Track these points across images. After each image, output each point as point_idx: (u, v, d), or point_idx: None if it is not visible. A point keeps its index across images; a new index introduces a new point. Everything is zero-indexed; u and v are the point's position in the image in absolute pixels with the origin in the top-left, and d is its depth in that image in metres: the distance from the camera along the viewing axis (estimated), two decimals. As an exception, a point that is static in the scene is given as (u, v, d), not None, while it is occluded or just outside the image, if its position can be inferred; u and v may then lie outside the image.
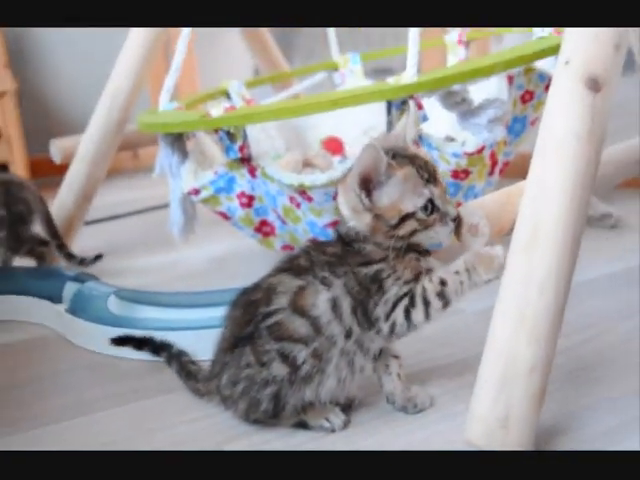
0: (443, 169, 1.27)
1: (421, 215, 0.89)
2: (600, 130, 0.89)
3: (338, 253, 0.92)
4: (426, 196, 0.88)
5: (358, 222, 0.91)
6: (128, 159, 2.85)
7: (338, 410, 0.97)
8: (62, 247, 1.60)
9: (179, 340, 1.18)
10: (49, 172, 2.15)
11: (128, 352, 1.21)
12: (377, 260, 0.90)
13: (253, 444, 0.95)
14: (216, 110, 1.28)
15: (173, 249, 1.69)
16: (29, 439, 1.01)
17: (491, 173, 1.37)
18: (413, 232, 0.89)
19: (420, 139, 1.25)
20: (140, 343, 1.13)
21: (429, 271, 0.91)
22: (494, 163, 1.36)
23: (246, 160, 1.34)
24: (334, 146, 1.81)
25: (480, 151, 1.26)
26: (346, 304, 0.90)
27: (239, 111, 1.25)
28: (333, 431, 0.95)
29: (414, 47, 1.21)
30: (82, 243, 1.83)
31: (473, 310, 1.23)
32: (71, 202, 1.74)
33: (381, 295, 0.90)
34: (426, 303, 0.89)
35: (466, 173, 1.28)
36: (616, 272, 1.42)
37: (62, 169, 1.77)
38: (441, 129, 1.47)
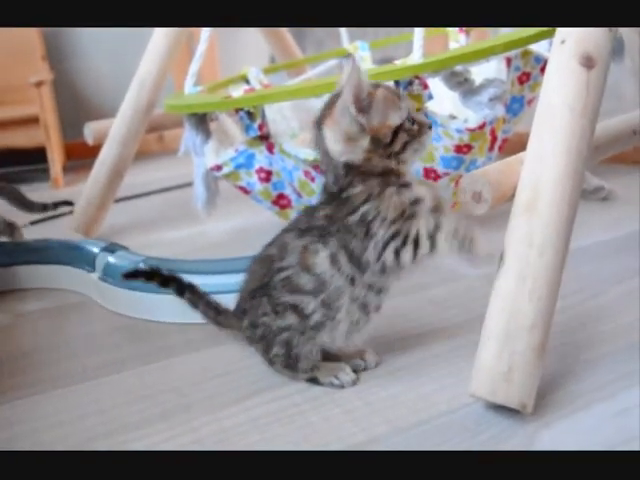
0: (447, 144, 1.26)
1: (408, 125, 0.88)
2: (593, 104, 0.88)
3: (328, 214, 0.90)
4: (405, 108, 0.89)
5: (354, 151, 0.88)
6: (154, 142, 2.85)
7: (348, 369, 0.96)
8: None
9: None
10: (82, 155, 2.17)
11: (155, 315, 1.22)
12: (361, 202, 0.88)
13: (276, 397, 0.94)
14: (236, 92, 1.27)
15: (197, 222, 1.69)
16: (69, 393, 1.01)
17: (491, 148, 1.36)
18: (405, 144, 0.88)
19: (426, 116, 1.24)
20: (150, 275, 1.08)
21: (417, 201, 0.88)
22: (494, 139, 1.35)
23: (265, 138, 1.33)
24: (345, 126, 1.80)
25: (481, 127, 1.24)
26: (342, 256, 0.89)
27: (257, 92, 1.24)
28: (342, 387, 0.95)
29: (420, 31, 1.20)
30: (113, 219, 1.84)
31: (478, 274, 1.22)
32: (104, 179, 1.74)
33: (369, 239, 0.88)
34: (416, 245, 0.87)
35: (468, 147, 1.27)
36: (608, 240, 1.41)
37: (94, 152, 1.77)
38: (445, 107, 1.46)
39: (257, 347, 0.98)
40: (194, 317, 1.18)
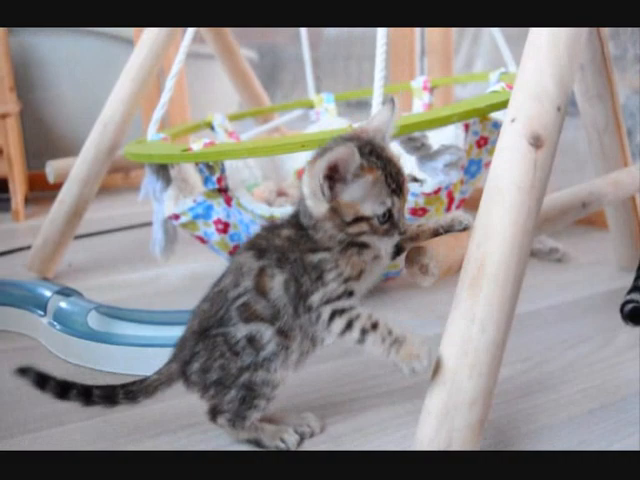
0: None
1: (375, 222, 0.83)
2: (541, 182, 0.89)
3: (292, 237, 0.88)
4: (387, 206, 0.83)
5: (314, 206, 0.84)
6: (120, 178, 2.84)
7: (291, 429, 0.95)
8: None
9: (155, 356, 1.17)
10: (46, 187, 2.14)
11: (105, 365, 1.20)
12: (323, 248, 0.86)
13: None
14: (197, 145, 1.27)
15: (154, 266, 1.68)
16: (6, 446, 0.98)
17: (448, 209, 1.37)
18: (361, 233, 0.84)
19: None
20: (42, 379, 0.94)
21: (375, 259, 0.88)
22: (451, 200, 1.36)
23: (223, 190, 1.33)
24: (307, 177, 1.81)
25: (437, 192, 1.26)
26: (292, 286, 0.86)
27: (216, 147, 1.24)
28: (288, 449, 0.93)
29: (379, 92, 1.22)
30: (71, 256, 1.82)
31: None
32: (62, 218, 1.72)
33: (319, 285, 0.85)
34: (349, 326, 0.85)
35: (424, 211, 1.28)
36: (559, 304, 1.42)
37: (58, 185, 1.75)
38: (407, 168, 1.47)
39: (205, 395, 0.92)
40: (141, 369, 1.17)
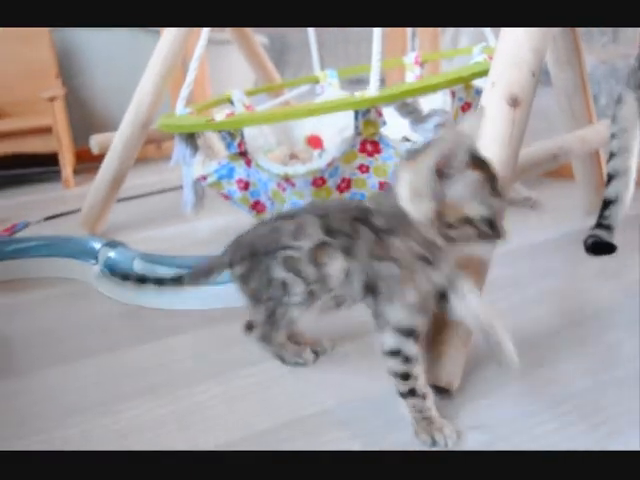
0: (398, 162, 1.28)
1: (480, 225, 0.68)
2: (518, 137, 0.90)
3: (363, 233, 0.75)
4: (493, 209, 0.68)
5: (415, 207, 0.69)
6: (153, 150, 2.84)
7: (309, 349, 0.97)
8: None
9: (190, 294, 1.20)
10: (91, 159, 2.16)
11: (147, 302, 1.23)
12: (394, 258, 0.72)
13: (247, 374, 0.95)
14: (219, 115, 1.28)
15: (186, 222, 1.70)
16: (71, 369, 1.01)
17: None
18: (465, 238, 0.69)
19: (380, 139, 1.26)
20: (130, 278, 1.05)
21: (451, 281, 0.75)
22: (439, 159, 1.37)
23: (243, 154, 1.34)
24: (315, 142, 1.81)
25: (427, 149, 1.26)
26: (358, 279, 0.76)
27: (236, 117, 1.25)
28: (305, 365, 0.95)
29: (376, 68, 1.21)
30: (114, 217, 1.84)
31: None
32: (106, 184, 1.74)
33: (388, 300, 0.74)
34: (405, 377, 0.75)
35: (416, 167, 1.29)
36: (533, 243, 1.42)
37: (100, 157, 1.77)
38: (400, 131, 1.47)
39: (245, 297, 0.90)
40: (180, 304, 1.20)
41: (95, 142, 1.82)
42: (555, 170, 1.79)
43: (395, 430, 0.78)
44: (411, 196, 0.69)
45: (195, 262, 1.28)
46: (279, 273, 0.83)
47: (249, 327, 0.96)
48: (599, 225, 1.21)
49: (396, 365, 0.75)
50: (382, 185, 1.32)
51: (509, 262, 1.30)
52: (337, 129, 1.81)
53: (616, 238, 1.26)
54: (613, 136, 1.13)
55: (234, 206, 1.49)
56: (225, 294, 1.18)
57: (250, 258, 0.87)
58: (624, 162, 1.13)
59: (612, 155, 1.14)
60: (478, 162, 0.68)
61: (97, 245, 1.37)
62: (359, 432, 0.79)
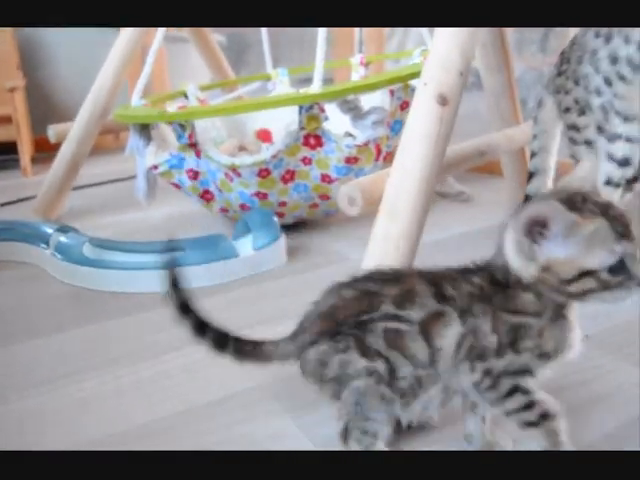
0: (339, 156, 1.28)
1: (605, 275, 0.57)
2: (445, 134, 0.91)
3: (485, 289, 0.63)
4: (617, 254, 0.57)
5: (521, 266, 0.60)
6: (111, 140, 2.79)
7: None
8: None
9: (137, 277, 1.18)
10: (49, 149, 2.11)
11: (97, 285, 1.20)
12: (530, 313, 0.61)
13: (190, 352, 0.94)
14: (171, 108, 1.26)
15: (139, 210, 1.67)
16: (21, 348, 0.99)
17: (377, 159, 1.39)
18: (588, 291, 0.58)
19: (323, 134, 1.26)
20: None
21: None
22: (379, 152, 1.37)
23: (193, 145, 1.32)
24: (265, 136, 1.80)
25: (366, 144, 1.27)
26: (467, 342, 0.62)
27: (187, 109, 1.24)
28: None
29: (320, 67, 1.21)
30: (70, 204, 1.80)
31: (357, 258, 1.25)
32: (62, 171, 1.70)
33: (507, 351, 0.61)
34: (529, 407, 0.62)
35: (356, 159, 1.29)
36: (464, 233, 1.44)
37: (58, 146, 1.72)
38: (343, 127, 1.48)
39: (321, 388, 0.67)
40: (129, 287, 1.18)
41: (53, 132, 1.78)
42: (487, 167, 1.83)
43: (325, 404, 0.78)
44: (515, 254, 0.61)
45: (140, 246, 1.27)
46: (378, 346, 0.63)
47: (344, 434, 0.66)
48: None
49: (514, 402, 0.62)
50: (324, 177, 1.33)
51: (437, 252, 1.31)
52: (285, 123, 1.81)
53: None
54: (534, 137, 1.15)
55: (184, 195, 1.47)
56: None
57: (331, 333, 0.64)
58: (543, 161, 1.15)
59: (533, 154, 1.16)
60: (596, 208, 0.58)
61: (49, 230, 1.33)
62: (290, 407, 0.79)
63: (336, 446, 0.66)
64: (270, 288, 1.17)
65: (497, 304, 0.61)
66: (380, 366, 0.62)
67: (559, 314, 0.61)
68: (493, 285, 0.62)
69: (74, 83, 2.79)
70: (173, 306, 0.69)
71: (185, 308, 0.69)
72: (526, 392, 0.62)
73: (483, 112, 1.53)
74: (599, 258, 0.57)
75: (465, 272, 0.65)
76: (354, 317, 0.63)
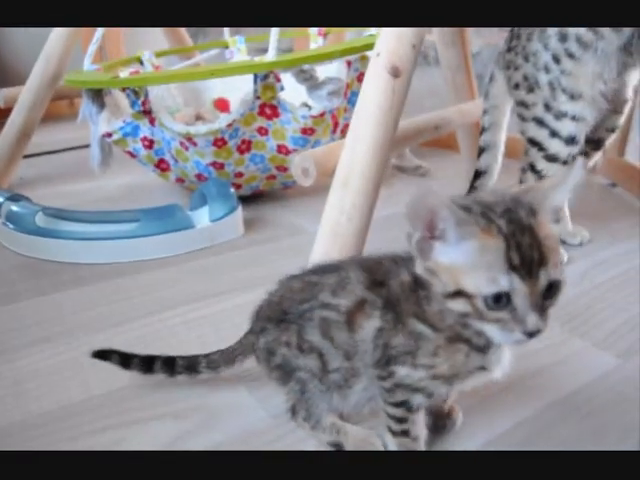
0: (295, 127, 1.28)
1: (480, 305, 0.50)
2: (397, 105, 0.92)
3: (405, 287, 0.58)
4: (499, 287, 0.49)
5: (416, 264, 0.55)
6: (66, 107, 2.71)
7: (379, 442, 0.66)
8: None
9: (90, 247, 1.17)
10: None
11: (49, 256, 1.18)
12: (431, 324, 0.55)
13: (149, 322, 0.95)
14: (124, 73, 1.23)
15: (94, 179, 1.64)
16: None
17: (334, 131, 1.39)
18: (465, 315, 0.52)
19: (278, 103, 1.26)
20: (126, 358, 0.75)
21: (479, 369, 0.57)
22: (336, 124, 1.37)
23: (147, 112, 1.30)
24: (222, 105, 1.78)
25: (322, 115, 1.27)
26: (382, 339, 0.58)
27: (140, 75, 1.21)
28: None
29: (275, 35, 1.20)
30: (21, 172, 1.75)
31: (314, 231, 1.26)
32: (12, 138, 1.64)
33: (407, 360, 0.57)
34: (402, 421, 0.61)
35: (312, 130, 1.29)
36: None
37: (9, 111, 1.67)
38: (300, 97, 1.47)
39: (270, 375, 0.69)
40: (77, 258, 1.17)
41: (1, 95, 1.72)
42: (445, 142, 1.85)
43: None
44: (415, 245, 0.54)
45: (93, 216, 1.26)
46: (314, 337, 0.63)
47: (293, 411, 0.69)
48: (473, 188, 1.25)
49: (397, 411, 0.61)
50: (280, 148, 1.33)
51: (393, 226, 1.32)
52: (243, 93, 1.79)
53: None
54: (485, 112, 1.17)
55: (140, 164, 1.45)
56: (130, 247, 1.17)
57: (277, 323, 0.66)
58: (494, 136, 1.17)
59: (484, 129, 1.18)
60: (504, 227, 0.50)
61: (0, 199, 1.30)
62: (245, 378, 0.79)
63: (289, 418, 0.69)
64: (227, 260, 1.18)
65: (409, 307, 0.57)
66: (312, 362, 0.63)
67: (459, 336, 0.55)
68: (413, 284, 0.57)
69: (25, 44, 2.68)
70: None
71: (127, 359, 0.75)
72: (410, 409, 0.60)
73: (442, 89, 1.54)
74: (477, 282, 0.50)
75: (400, 264, 0.60)
76: (297, 306, 0.63)
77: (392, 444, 0.63)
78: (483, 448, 0.67)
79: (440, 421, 0.68)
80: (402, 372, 0.57)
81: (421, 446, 0.62)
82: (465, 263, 0.50)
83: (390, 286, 0.59)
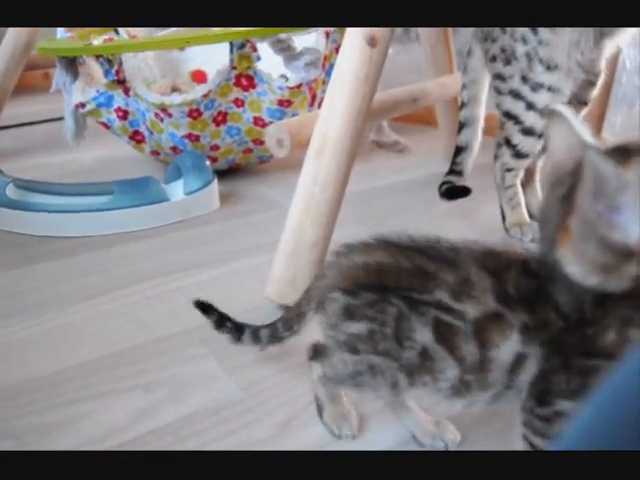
0: (272, 98, 1.26)
1: None
2: (374, 74, 0.89)
3: (560, 318, 0.47)
4: None
5: (615, 279, 0.42)
6: (40, 78, 2.64)
7: (355, 421, 0.64)
8: None
9: (62, 220, 1.14)
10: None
11: (20, 228, 1.16)
12: (604, 354, 0.45)
13: (123, 295, 0.94)
14: (97, 41, 1.20)
15: (68, 151, 1.60)
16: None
17: (312, 104, 1.36)
18: None
19: (255, 74, 1.23)
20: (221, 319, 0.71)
21: None
22: (313, 97, 1.35)
23: (121, 82, 1.27)
24: (200, 77, 1.74)
25: (299, 87, 1.25)
26: (530, 371, 0.49)
27: (114, 43, 1.18)
28: (339, 438, 0.63)
29: (253, 2, 1.17)
30: (-5, 144, 1.72)
31: (289, 204, 1.25)
32: (-16, 109, 1.61)
33: (569, 393, 0.47)
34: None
35: (289, 102, 1.27)
36: (397, 182, 1.44)
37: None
38: (277, 69, 1.44)
39: (328, 332, 0.58)
40: (56, 231, 1.15)
41: (-28, 65, 1.67)
42: (424, 118, 1.84)
43: (245, 350, 0.76)
44: (600, 275, 0.43)
45: (66, 189, 1.23)
46: (424, 338, 0.52)
47: (317, 352, 0.63)
48: (451, 171, 1.24)
49: (540, 443, 0.51)
50: (257, 120, 1.30)
51: (368, 200, 1.31)
52: (221, 65, 1.75)
53: (469, 183, 1.28)
54: (464, 86, 1.15)
55: (115, 136, 1.42)
56: (104, 220, 1.15)
57: (376, 292, 0.54)
58: (473, 111, 1.16)
59: (463, 105, 1.16)
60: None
61: (-31, 170, 1.27)
62: (215, 350, 0.79)
63: (260, 389, 0.69)
64: (202, 233, 1.16)
65: (573, 345, 0.46)
66: (412, 355, 0.52)
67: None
68: (569, 324, 0.45)
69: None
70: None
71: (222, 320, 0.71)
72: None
73: (423, 64, 1.52)
74: None
75: (524, 268, 0.49)
76: (406, 292, 0.52)
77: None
78: None
79: None
80: (566, 406, 0.47)
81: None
82: None
83: (536, 311, 0.47)
